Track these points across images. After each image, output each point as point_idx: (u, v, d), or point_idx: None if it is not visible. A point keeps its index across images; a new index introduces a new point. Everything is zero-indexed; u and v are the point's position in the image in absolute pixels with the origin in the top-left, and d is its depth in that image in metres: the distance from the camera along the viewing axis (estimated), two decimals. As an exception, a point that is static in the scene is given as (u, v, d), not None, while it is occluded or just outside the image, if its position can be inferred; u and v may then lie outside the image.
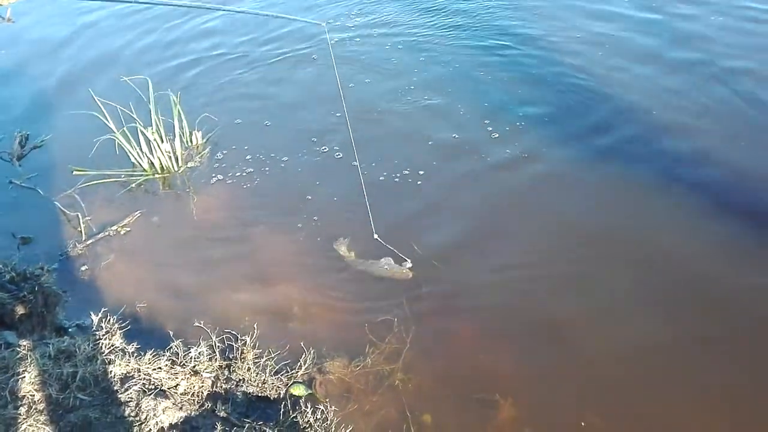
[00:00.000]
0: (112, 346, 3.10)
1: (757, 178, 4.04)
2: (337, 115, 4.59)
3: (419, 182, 4.24)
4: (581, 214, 3.89)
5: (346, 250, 3.74)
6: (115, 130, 4.40)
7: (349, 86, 5.18)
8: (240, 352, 3.14)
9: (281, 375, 3.04)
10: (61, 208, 4.26)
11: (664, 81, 5.11)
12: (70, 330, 3.35)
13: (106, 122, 4.36)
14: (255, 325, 3.29)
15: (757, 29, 5.76)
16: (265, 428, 2.72)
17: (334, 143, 4.61)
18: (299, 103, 5.25)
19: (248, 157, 4.63)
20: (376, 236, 3.69)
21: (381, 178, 4.27)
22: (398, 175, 4.30)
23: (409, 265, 3.58)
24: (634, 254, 3.59)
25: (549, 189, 4.12)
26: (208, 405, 2.90)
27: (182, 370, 3.02)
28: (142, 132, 4.44)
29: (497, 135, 4.60)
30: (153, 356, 3.04)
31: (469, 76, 5.42)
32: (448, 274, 3.56)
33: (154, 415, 2.77)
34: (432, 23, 6.37)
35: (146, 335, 3.30)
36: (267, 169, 4.51)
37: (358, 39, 6.10)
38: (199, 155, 4.72)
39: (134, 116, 4.40)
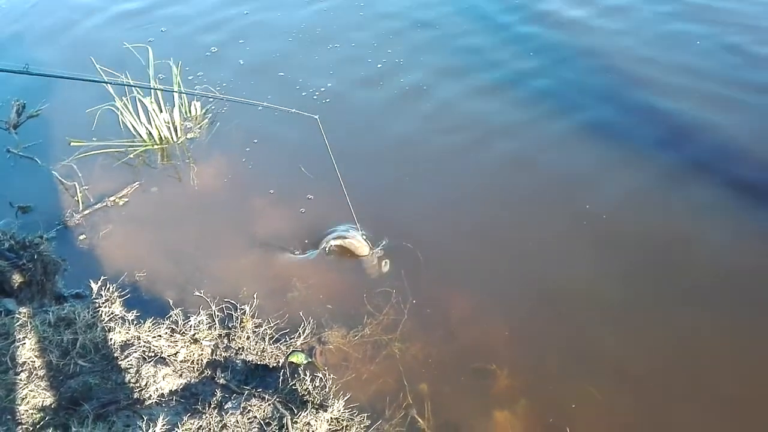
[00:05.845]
0: (112, 313, 3.11)
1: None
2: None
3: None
4: (579, 187, 3.89)
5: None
6: (116, 99, 4.36)
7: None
8: (239, 320, 3.16)
9: (280, 344, 3.07)
10: (59, 177, 4.24)
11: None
12: (69, 298, 3.36)
13: (109, 90, 4.31)
14: (254, 295, 3.31)
15: None
16: (264, 395, 2.75)
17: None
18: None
19: (248, 127, 4.60)
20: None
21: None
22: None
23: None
24: (630, 221, 3.61)
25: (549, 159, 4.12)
26: (208, 372, 2.94)
27: (182, 338, 3.04)
28: (140, 101, 4.40)
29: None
30: (153, 324, 3.05)
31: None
32: (445, 246, 3.57)
33: (154, 381, 2.81)
34: None
35: (146, 303, 3.32)
36: (268, 140, 4.48)
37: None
38: (199, 126, 4.69)
39: (133, 85, 4.35)
